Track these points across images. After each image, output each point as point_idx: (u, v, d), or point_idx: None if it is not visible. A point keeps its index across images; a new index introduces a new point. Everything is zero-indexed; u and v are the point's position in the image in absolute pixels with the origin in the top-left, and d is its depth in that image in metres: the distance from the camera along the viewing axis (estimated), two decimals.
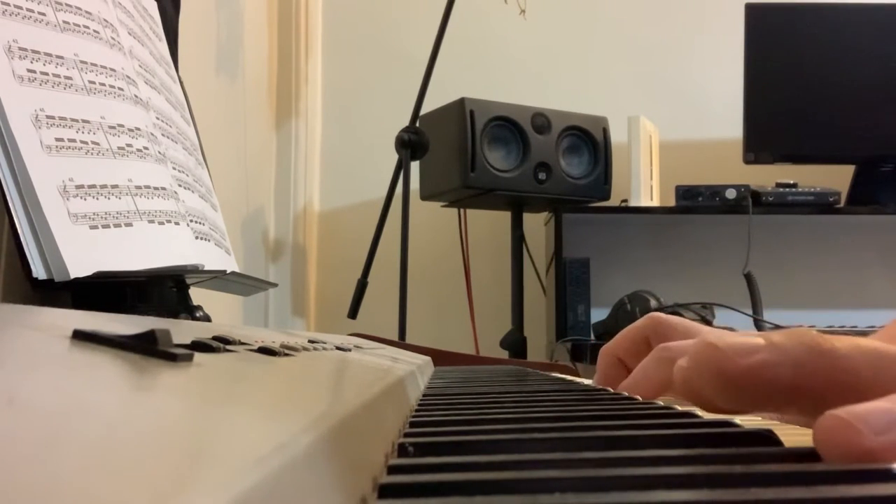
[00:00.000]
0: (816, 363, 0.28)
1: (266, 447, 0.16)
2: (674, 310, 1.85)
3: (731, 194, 2.16)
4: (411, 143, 1.83)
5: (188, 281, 0.80)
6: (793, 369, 0.28)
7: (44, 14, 0.66)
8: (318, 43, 2.50)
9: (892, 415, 0.24)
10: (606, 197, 2.16)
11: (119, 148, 0.68)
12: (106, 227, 0.64)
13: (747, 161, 2.26)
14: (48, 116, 0.62)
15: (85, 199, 0.63)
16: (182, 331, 0.35)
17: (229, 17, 2.02)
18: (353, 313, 1.85)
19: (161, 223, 0.70)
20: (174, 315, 0.75)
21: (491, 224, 2.35)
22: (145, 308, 0.71)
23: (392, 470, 0.23)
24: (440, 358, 1.09)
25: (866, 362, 0.29)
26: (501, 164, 2.04)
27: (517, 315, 2.16)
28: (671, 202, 2.21)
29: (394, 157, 1.86)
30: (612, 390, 0.53)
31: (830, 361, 0.29)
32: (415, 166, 1.95)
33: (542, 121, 2.08)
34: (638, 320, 0.58)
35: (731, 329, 1.72)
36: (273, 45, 2.42)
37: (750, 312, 2.01)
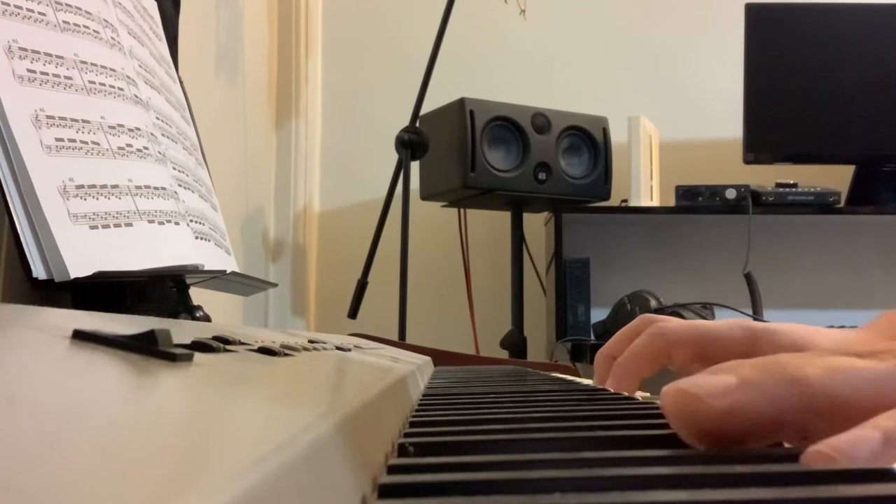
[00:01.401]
0: (791, 394, 0.28)
1: (266, 447, 0.16)
2: (674, 310, 1.85)
3: (731, 194, 2.16)
4: (411, 143, 1.82)
5: (188, 281, 0.80)
6: (769, 405, 0.27)
7: (44, 14, 0.66)
8: (318, 43, 2.50)
9: (873, 443, 0.24)
10: (606, 197, 2.16)
11: (119, 148, 0.68)
12: (106, 227, 0.64)
13: (747, 161, 2.26)
14: (48, 116, 0.62)
15: (85, 199, 0.63)
16: (182, 331, 0.35)
17: (229, 17, 2.02)
18: (353, 313, 1.85)
19: (161, 223, 0.70)
20: (174, 315, 0.75)
21: (491, 224, 2.35)
22: (145, 308, 0.71)
23: (392, 470, 0.23)
24: (440, 358, 1.09)
25: (842, 383, 0.28)
26: (501, 164, 2.04)
27: (517, 315, 2.16)
28: (671, 202, 2.21)
29: (394, 157, 1.86)
30: (611, 390, 0.53)
31: (804, 390, 0.28)
32: (415, 166, 1.95)
33: (542, 121, 2.08)
34: (631, 321, 0.59)
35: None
36: (273, 45, 2.42)
37: (750, 312, 2.01)
